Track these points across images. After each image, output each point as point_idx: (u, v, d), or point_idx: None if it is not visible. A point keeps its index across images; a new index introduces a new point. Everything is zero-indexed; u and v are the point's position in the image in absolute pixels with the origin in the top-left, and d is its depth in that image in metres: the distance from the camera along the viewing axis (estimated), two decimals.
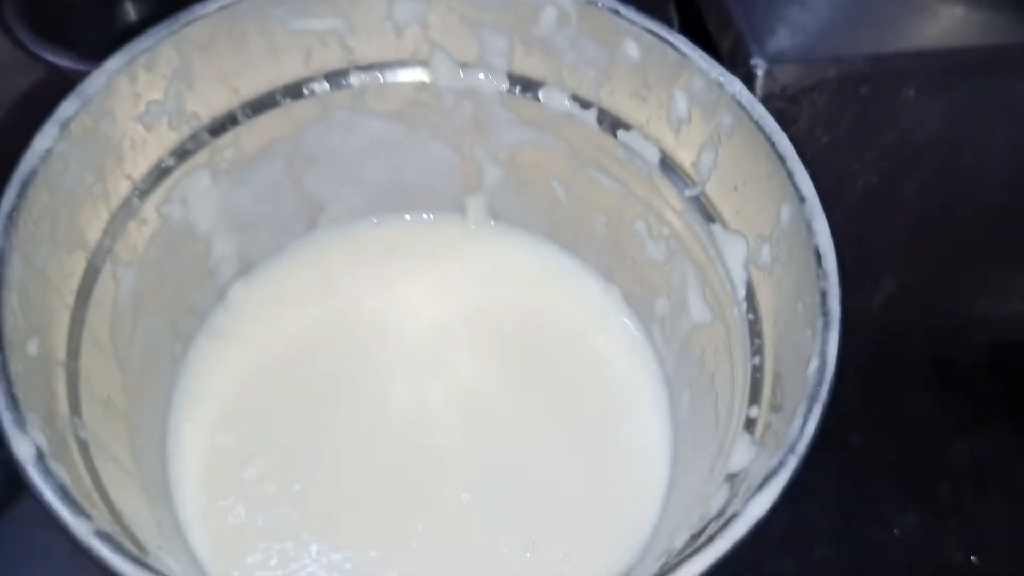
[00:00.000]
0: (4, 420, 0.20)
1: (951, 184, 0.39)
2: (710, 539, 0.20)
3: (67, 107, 0.26)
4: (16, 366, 0.21)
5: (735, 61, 0.35)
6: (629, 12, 0.29)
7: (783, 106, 0.34)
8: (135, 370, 0.30)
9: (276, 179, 0.34)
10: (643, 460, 0.33)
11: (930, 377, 0.45)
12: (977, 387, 0.45)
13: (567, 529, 0.31)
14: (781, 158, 0.27)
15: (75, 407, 0.25)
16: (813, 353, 0.23)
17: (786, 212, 0.27)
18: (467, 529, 0.31)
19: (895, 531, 0.41)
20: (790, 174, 0.26)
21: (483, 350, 0.35)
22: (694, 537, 0.24)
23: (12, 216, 0.24)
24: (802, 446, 0.21)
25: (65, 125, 0.26)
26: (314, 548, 0.30)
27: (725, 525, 0.20)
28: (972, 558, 0.39)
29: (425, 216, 0.38)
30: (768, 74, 0.34)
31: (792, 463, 0.21)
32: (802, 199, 0.26)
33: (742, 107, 0.28)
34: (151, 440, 0.31)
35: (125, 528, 0.23)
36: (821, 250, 0.25)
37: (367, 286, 0.37)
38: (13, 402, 0.21)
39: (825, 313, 0.24)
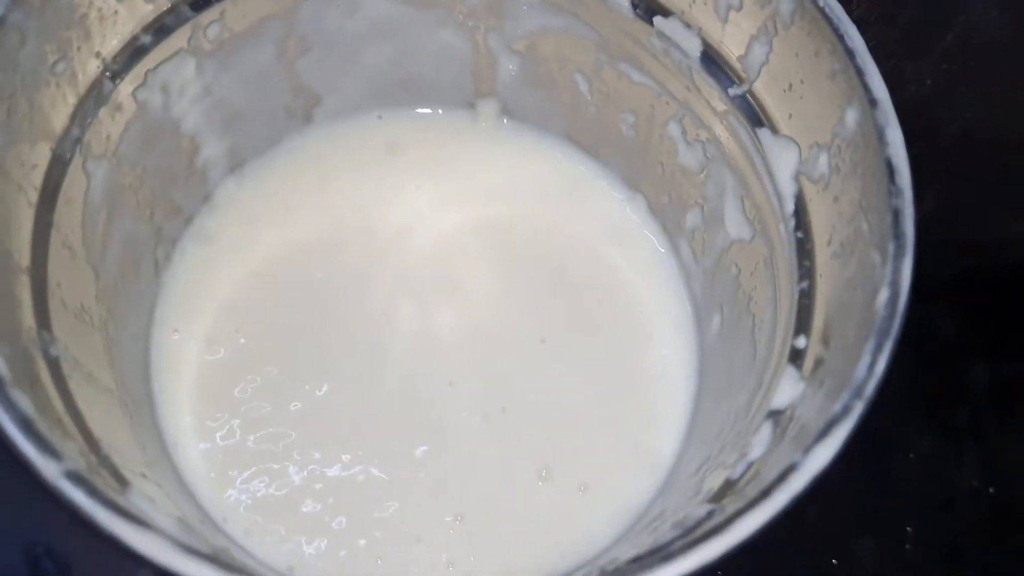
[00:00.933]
0: None
1: (1008, 95, 0.35)
2: (765, 493, 0.18)
3: None
4: None
5: None
6: None
7: None
8: (112, 276, 0.27)
9: (267, 64, 0.31)
10: (664, 386, 0.31)
11: (957, 297, 0.43)
12: (1003, 311, 0.43)
13: (583, 458, 0.29)
14: (850, 53, 0.23)
15: (43, 320, 0.22)
16: (883, 281, 0.20)
17: (852, 116, 0.23)
18: (477, 455, 0.29)
19: (911, 455, 0.39)
20: (860, 72, 0.23)
21: (494, 264, 0.33)
22: (731, 483, 0.21)
23: None
24: (870, 389, 0.19)
25: None
26: (310, 470, 0.28)
27: (783, 478, 0.18)
28: (988, 487, 0.38)
29: (432, 111, 0.35)
30: None
31: (858, 408, 0.19)
32: (873, 102, 0.23)
33: None
34: (133, 354, 0.28)
35: (103, 457, 0.21)
36: (894, 162, 0.22)
37: (367, 190, 0.34)
38: None
39: (898, 236, 0.21)
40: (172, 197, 0.30)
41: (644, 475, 0.29)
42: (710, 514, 0.18)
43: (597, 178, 0.34)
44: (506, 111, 0.35)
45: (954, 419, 0.39)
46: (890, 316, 0.20)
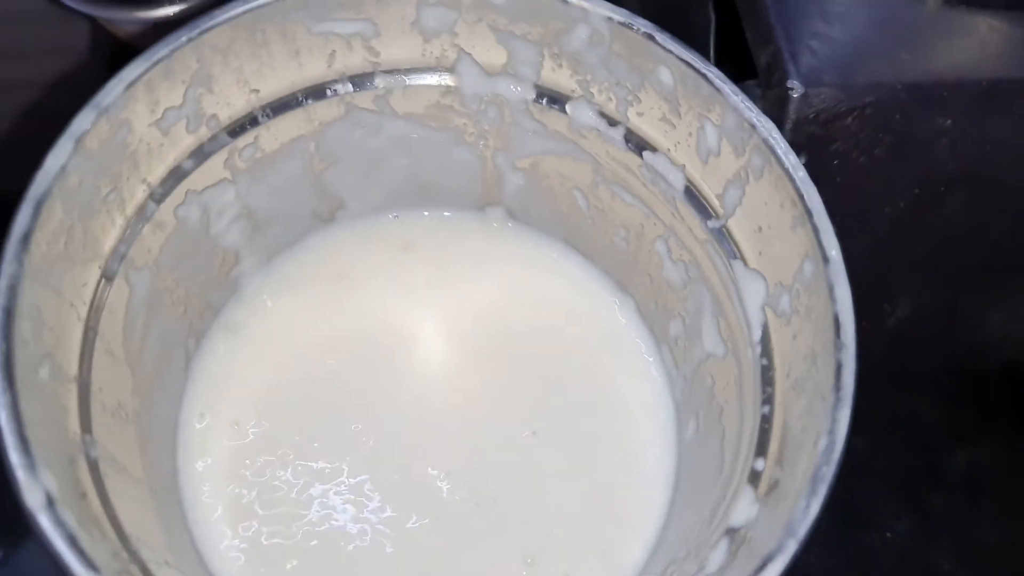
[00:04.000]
0: (16, 465, 0.20)
1: (978, 212, 0.38)
2: None
3: (82, 120, 0.25)
4: (27, 403, 0.22)
5: (771, 79, 0.34)
6: (665, 39, 0.28)
7: (816, 130, 0.33)
8: (147, 371, 0.30)
9: (295, 177, 0.34)
10: (644, 484, 0.33)
11: (938, 387, 0.45)
12: (985, 399, 0.45)
13: (566, 547, 0.32)
14: (808, 212, 0.26)
15: (86, 423, 0.25)
16: (822, 431, 0.23)
17: (808, 268, 0.26)
18: (468, 539, 0.32)
19: (887, 535, 0.41)
20: (816, 231, 0.26)
21: (492, 359, 0.35)
22: None
23: (24, 240, 0.23)
24: (803, 530, 0.21)
25: (80, 140, 0.25)
26: (325, 545, 0.31)
27: None
28: (959, 568, 0.39)
29: (443, 213, 0.38)
30: (803, 97, 0.33)
31: (791, 548, 0.21)
32: (826, 260, 0.25)
33: (773, 152, 0.27)
34: (162, 440, 0.31)
35: (132, 553, 0.24)
36: (841, 319, 0.24)
37: (382, 283, 0.37)
38: (24, 445, 0.21)
39: (839, 388, 0.23)
40: (204, 294, 0.33)
41: (620, 568, 0.32)
42: None
43: (591, 279, 0.37)
44: (511, 216, 0.38)
45: (930, 502, 0.41)
46: (825, 463, 0.22)
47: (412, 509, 0.32)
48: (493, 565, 0.32)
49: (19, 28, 0.39)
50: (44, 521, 0.20)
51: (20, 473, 0.20)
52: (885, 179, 0.33)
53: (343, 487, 0.32)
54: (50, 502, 0.20)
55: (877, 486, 0.42)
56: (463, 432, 0.34)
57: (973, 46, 0.34)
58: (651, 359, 0.35)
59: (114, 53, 0.39)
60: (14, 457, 0.20)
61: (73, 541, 0.20)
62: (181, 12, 0.36)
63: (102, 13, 0.38)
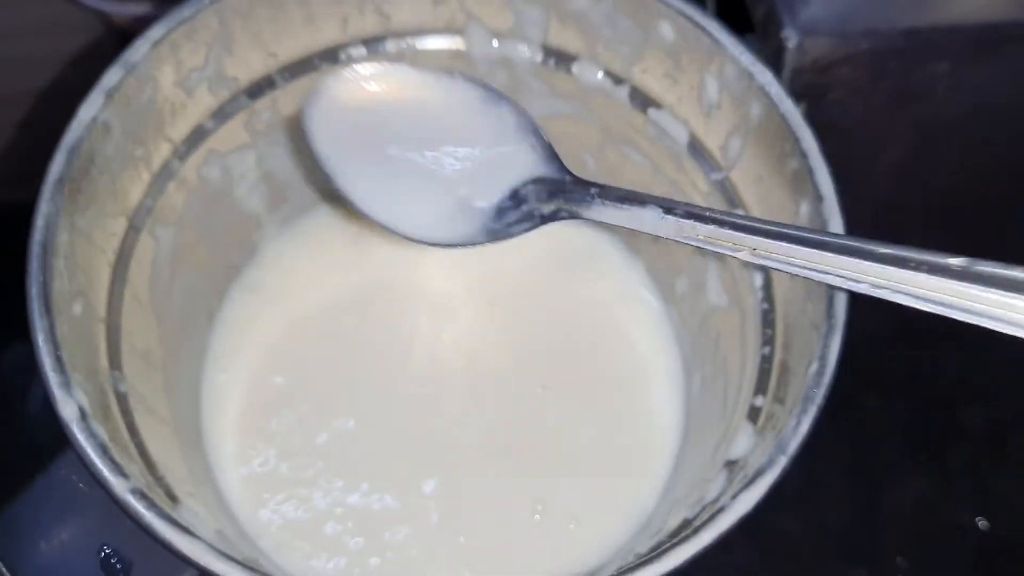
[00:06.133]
0: (51, 382, 0.22)
1: (981, 158, 0.38)
2: (696, 530, 0.21)
3: (111, 75, 0.27)
4: (62, 329, 0.23)
5: (767, 31, 0.34)
6: None
7: (813, 79, 0.34)
8: (173, 324, 0.31)
9: None
10: (653, 435, 0.34)
11: (956, 342, 0.45)
12: (1002, 355, 0.44)
13: (576, 495, 0.33)
14: (804, 154, 0.27)
15: (115, 361, 0.27)
16: (814, 356, 0.24)
17: (804, 209, 0.27)
18: (479, 487, 0.33)
19: (905, 492, 0.41)
20: (810, 171, 0.27)
21: (504, 317, 0.36)
22: (687, 522, 0.25)
23: (59, 184, 0.25)
24: (793, 446, 0.22)
25: (110, 94, 0.27)
26: (333, 497, 0.32)
27: (712, 517, 0.22)
28: (981, 522, 0.39)
29: None
30: (799, 46, 0.33)
31: (781, 463, 0.22)
32: (820, 198, 0.26)
33: (770, 99, 0.28)
34: (187, 390, 0.32)
35: (159, 478, 0.25)
36: None
37: (397, 246, 0.38)
38: (59, 365, 0.22)
39: (830, 316, 0.24)
40: (225, 254, 0.35)
41: (630, 513, 0.32)
42: (653, 548, 0.22)
43: (602, 242, 0.38)
44: None
45: (950, 458, 0.41)
46: (816, 385, 0.23)
47: (424, 459, 0.33)
48: (505, 512, 0.33)
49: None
50: (78, 432, 0.21)
51: (56, 390, 0.22)
52: (884, 127, 0.34)
53: (359, 440, 0.34)
54: (83, 415, 0.22)
55: (894, 444, 0.42)
56: (475, 386, 0.35)
57: None
58: (660, 318, 0.36)
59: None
60: (50, 375, 0.22)
61: (104, 450, 0.21)
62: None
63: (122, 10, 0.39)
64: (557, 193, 0.30)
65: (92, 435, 0.22)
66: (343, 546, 0.31)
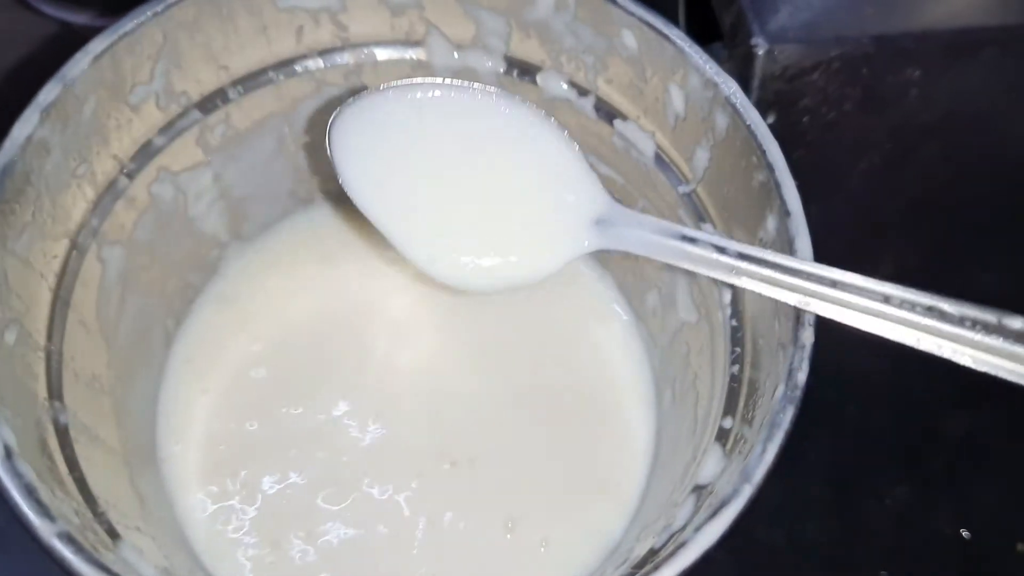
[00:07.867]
0: None
1: (955, 164, 0.37)
2: (657, 566, 0.20)
3: (48, 92, 0.26)
4: None
5: (736, 39, 0.34)
6: (627, 2, 0.28)
7: (783, 87, 0.33)
8: (123, 346, 0.30)
9: (270, 155, 0.34)
10: (625, 454, 0.33)
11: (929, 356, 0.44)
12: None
13: (547, 514, 0.32)
14: (770, 167, 0.26)
15: (56, 390, 0.26)
16: (780, 379, 0.23)
17: (772, 223, 0.26)
18: (450, 503, 0.32)
19: (887, 502, 0.40)
20: (778, 185, 0.26)
21: (475, 331, 0.35)
22: (653, 552, 0.24)
23: None
24: (759, 475, 0.21)
25: (47, 110, 0.26)
26: (299, 519, 0.31)
27: (675, 551, 0.21)
28: (962, 532, 0.39)
29: None
30: (768, 54, 0.33)
31: (747, 492, 0.21)
32: (787, 213, 0.25)
33: (736, 109, 0.27)
34: (140, 413, 0.31)
35: (99, 514, 0.24)
36: None
37: (364, 263, 0.37)
38: None
39: (796, 339, 0.23)
40: (182, 274, 0.34)
41: (599, 538, 0.31)
42: None
43: None
44: None
45: (930, 468, 0.40)
46: (781, 411, 0.22)
47: (394, 473, 0.32)
48: (476, 528, 0.32)
49: None
50: (1, 472, 0.20)
51: None
52: (856, 134, 0.33)
53: (327, 459, 0.32)
54: (8, 454, 0.21)
55: (875, 454, 0.41)
56: (446, 400, 0.34)
57: None
58: (631, 333, 0.35)
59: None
60: None
61: (30, 491, 0.20)
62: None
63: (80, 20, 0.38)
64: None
65: (17, 475, 0.20)
66: (309, 569, 0.30)
